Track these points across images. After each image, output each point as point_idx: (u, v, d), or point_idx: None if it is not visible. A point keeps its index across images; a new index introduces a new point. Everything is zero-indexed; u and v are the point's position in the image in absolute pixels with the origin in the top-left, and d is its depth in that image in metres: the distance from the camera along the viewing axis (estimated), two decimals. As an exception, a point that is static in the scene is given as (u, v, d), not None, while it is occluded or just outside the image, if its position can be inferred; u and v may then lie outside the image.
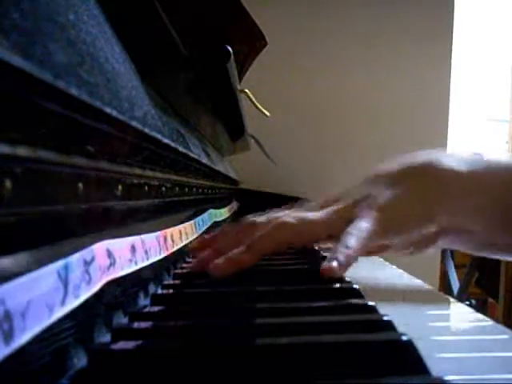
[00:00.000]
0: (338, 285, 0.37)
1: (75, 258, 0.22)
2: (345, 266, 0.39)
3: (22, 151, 0.18)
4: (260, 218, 0.48)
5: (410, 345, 0.23)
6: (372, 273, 0.50)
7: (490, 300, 2.19)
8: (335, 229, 0.44)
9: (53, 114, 0.19)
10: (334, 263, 0.38)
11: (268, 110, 1.02)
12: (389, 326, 0.27)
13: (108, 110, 0.23)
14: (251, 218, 0.49)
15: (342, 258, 0.39)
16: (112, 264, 0.26)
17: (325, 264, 0.38)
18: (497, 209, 0.46)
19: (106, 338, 0.27)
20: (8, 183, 0.17)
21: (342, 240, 0.41)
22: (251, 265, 0.43)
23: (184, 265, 0.50)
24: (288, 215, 0.46)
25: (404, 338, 0.23)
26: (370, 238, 0.42)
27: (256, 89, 0.96)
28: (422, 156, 0.48)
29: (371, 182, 0.48)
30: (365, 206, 0.45)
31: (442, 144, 1.74)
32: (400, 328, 0.26)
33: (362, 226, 0.43)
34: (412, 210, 0.46)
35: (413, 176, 0.47)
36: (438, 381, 0.21)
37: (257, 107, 0.98)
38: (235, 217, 1.11)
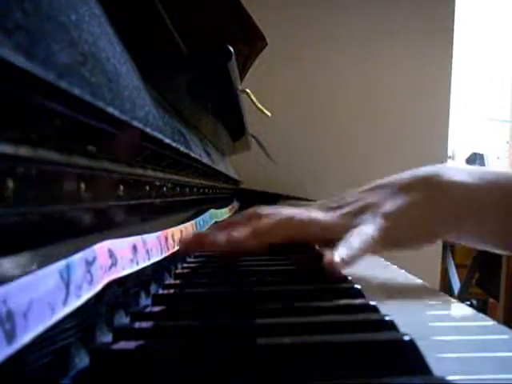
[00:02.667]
0: (340, 285, 0.37)
1: (77, 258, 0.22)
2: (346, 262, 0.39)
3: (24, 151, 0.18)
4: (267, 210, 0.47)
5: (411, 345, 0.23)
6: (372, 272, 0.50)
7: (491, 300, 2.19)
8: (338, 233, 0.44)
9: (55, 114, 0.19)
10: (336, 257, 0.38)
11: (268, 110, 1.02)
12: (390, 325, 0.27)
13: (110, 109, 0.23)
14: (258, 208, 0.48)
15: (343, 254, 0.39)
16: (113, 264, 0.26)
17: (327, 257, 0.38)
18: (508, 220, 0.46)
19: (108, 337, 0.27)
20: (10, 183, 0.17)
21: (344, 239, 0.42)
22: (250, 249, 0.43)
23: (185, 265, 0.50)
24: (296, 212, 0.46)
25: (405, 337, 0.23)
26: (371, 243, 0.42)
27: (256, 89, 0.96)
28: (428, 168, 0.48)
29: (376, 189, 0.48)
30: (370, 213, 0.45)
31: (442, 144, 1.74)
32: (401, 328, 0.26)
33: (366, 230, 0.43)
34: (415, 226, 0.46)
35: (418, 187, 0.47)
36: (439, 381, 0.21)
37: (257, 107, 0.98)
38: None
